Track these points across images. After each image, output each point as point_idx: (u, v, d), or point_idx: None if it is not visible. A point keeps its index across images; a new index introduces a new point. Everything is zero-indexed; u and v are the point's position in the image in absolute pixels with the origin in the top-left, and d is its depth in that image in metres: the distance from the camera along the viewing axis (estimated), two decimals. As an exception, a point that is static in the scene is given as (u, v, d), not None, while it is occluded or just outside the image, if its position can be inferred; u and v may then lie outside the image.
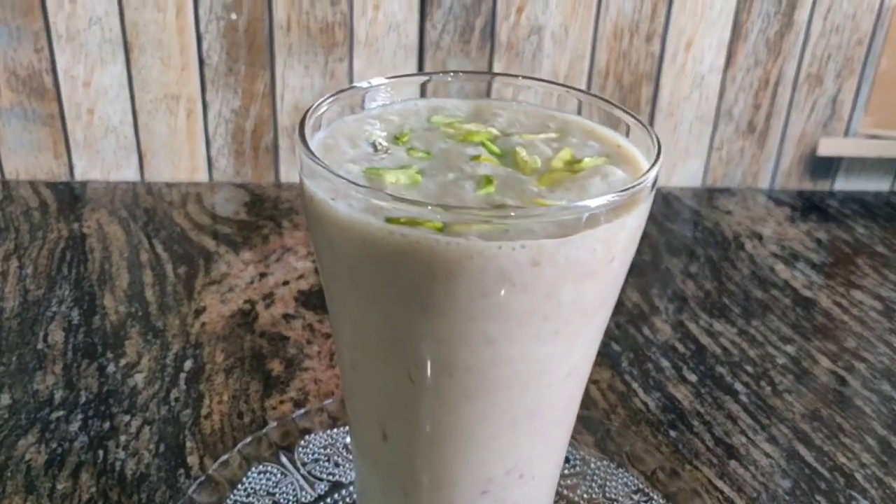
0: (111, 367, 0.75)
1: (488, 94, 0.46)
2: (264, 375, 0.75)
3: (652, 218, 1.05)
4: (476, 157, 0.39)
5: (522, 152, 0.40)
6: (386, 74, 1.03)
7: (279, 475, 0.62)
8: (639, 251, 0.98)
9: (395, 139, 0.41)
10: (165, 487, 0.64)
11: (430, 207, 0.33)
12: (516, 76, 0.46)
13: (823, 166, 1.13)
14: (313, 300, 0.85)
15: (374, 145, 0.40)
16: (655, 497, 0.62)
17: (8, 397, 0.71)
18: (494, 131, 0.42)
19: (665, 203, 1.09)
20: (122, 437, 0.68)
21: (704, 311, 0.88)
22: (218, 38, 0.99)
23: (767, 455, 0.70)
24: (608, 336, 0.82)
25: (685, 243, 1.00)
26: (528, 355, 0.37)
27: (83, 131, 1.02)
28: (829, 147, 1.10)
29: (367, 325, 0.39)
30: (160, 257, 0.91)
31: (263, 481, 0.62)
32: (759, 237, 1.03)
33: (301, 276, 0.89)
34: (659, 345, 0.82)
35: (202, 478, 0.61)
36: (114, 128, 1.02)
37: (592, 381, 0.76)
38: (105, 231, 0.95)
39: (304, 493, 0.62)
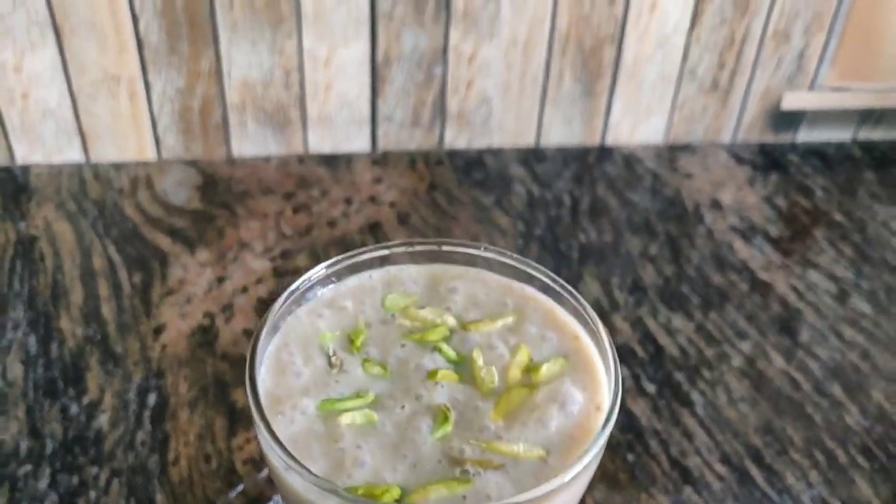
0: (74, 408, 0.75)
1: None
2: (228, 408, 0.76)
3: (612, 188, 1.04)
4: (433, 375, 0.38)
5: (479, 360, 0.39)
6: (336, 48, 0.98)
7: (250, 543, 0.64)
8: (598, 229, 0.98)
9: (351, 342, 0.40)
10: (139, 551, 0.65)
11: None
12: (478, 246, 0.44)
13: (786, 120, 1.11)
14: (273, 310, 0.85)
15: (328, 359, 0.39)
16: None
17: (-27, 451, 0.71)
18: (451, 321, 0.41)
19: (626, 166, 1.08)
20: (93, 493, 0.69)
21: (663, 301, 0.89)
22: (156, 18, 0.93)
23: (721, 478, 0.73)
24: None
25: (645, 217, 1.00)
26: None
27: (19, 116, 0.97)
28: (792, 101, 1.08)
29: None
30: (114, 262, 0.89)
31: (235, 551, 0.64)
32: (719, 206, 1.02)
33: (259, 281, 0.88)
34: (618, 347, 0.83)
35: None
36: (51, 111, 0.97)
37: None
38: (54, 231, 0.92)
39: (275, 558, 0.64)
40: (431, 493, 0.34)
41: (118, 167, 1.02)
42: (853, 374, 0.82)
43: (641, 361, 0.82)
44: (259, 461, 0.72)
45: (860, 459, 0.75)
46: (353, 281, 0.43)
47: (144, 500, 0.69)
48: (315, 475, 0.33)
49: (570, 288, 0.42)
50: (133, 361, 0.79)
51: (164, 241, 0.92)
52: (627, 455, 0.74)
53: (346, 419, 0.36)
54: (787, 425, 0.77)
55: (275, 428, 0.35)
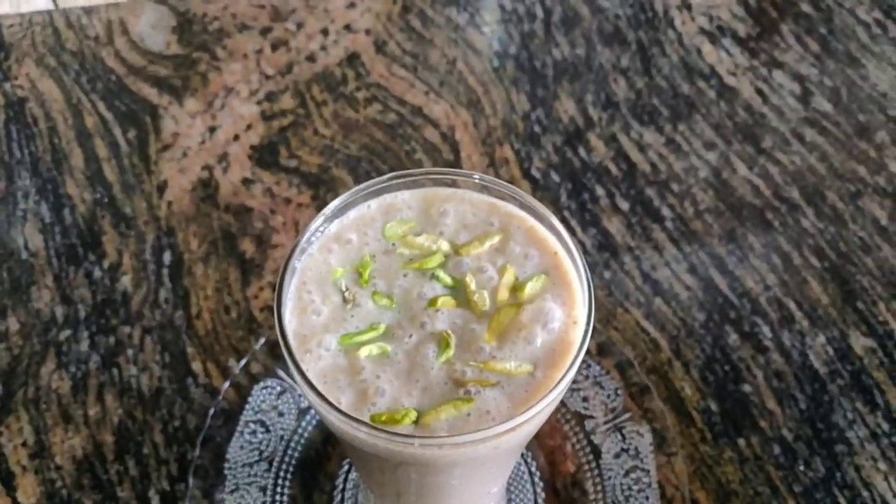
0: (97, 272, 0.81)
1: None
2: (238, 259, 0.82)
3: (584, -5, 1.04)
4: (433, 303, 0.45)
5: (472, 285, 0.45)
6: None
7: (279, 388, 0.73)
8: (571, 42, 1.00)
9: (359, 276, 0.46)
10: (181, 400, 0.75)
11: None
12: (469, 175, 0.48)
13: None
14: (266, 157, 0.89)
15: (342, 295, 0.45)
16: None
17: (15, 321, 0.78)
18: (445, 246, 0.47)
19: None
20: (130, 352, 0.77)
21: (635, 117, 0.93)
22: None
23: (687, 287, 0.81)
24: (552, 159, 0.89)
25: (615, 25, 1.02)
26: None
27: (-19, -30, 0.95)
28: None
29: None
30: (106, 120, 0.92)
31: (266, 396, 0.73)
32: (688, 6, 1.03)
33: (249, 127, 0.92)
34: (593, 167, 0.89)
35: (214, 406, 0.72)
36: (13, -37, 0.95)
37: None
38: (40, 90, 0.94)
39: (302, 399, 0.73)
40: (442, 413, 0.41)
41: (88, 11, 1.01)
42: (811, 177, 0.89)
43: (615, 179, 0.88)
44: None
45: (813, 260, 0.83)
46: (354, 213, 0.48)
47: (177, 353, 0.77)
48: (345, 413, 0.41)
49: (544, 208, 0.47)
50: (143, 221, 0.85)
51: (150, 93, 0.94)
52: (604, 273, 0.82)
53: (364, 352, 0.43)
54: (748, 232, 0.85)
55: (305, 367, 0.42)
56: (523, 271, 0.47)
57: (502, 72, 0.97)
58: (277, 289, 0.44)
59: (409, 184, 0.49)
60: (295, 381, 0.44)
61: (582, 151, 0.90)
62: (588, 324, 0.44)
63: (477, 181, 0.49)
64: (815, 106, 0.94)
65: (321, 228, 0.48)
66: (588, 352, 0.75)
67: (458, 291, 0.46)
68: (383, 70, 0.97)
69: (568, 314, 0.45)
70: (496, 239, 0.48)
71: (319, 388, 0.42)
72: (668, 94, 0.95)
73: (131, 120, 0.92)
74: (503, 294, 0.45)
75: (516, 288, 0.46)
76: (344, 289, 0.46)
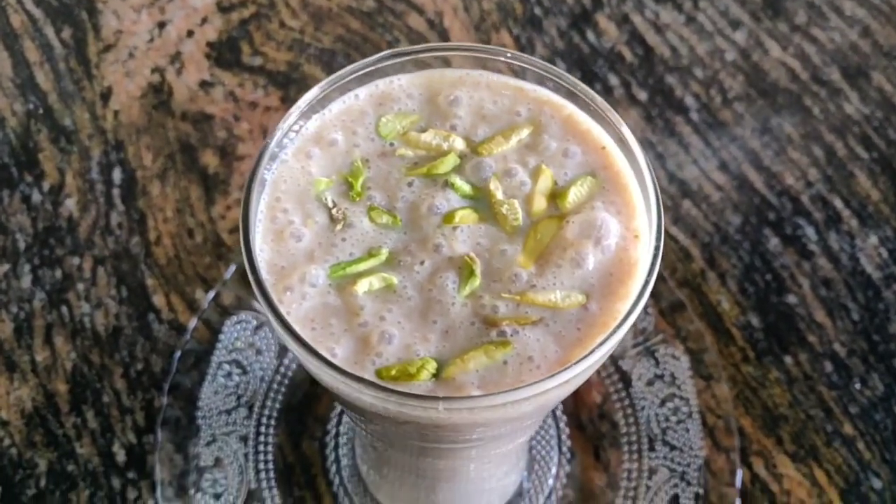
0: (36, 196, 0.70)
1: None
2: (200, 174, 0.71)
3: None
4: (449, 219, 0.34)
5: (498, 193, 0.34)
6: None
7: (255, 322, 0.63)
8: None
9: (350, 187, 0.35)
10: (143, 339, 0.65)
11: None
12: (473, 48, 0.37)
13: None
14: (226, 55, 0.77)
15: (329, 212, 0.34)
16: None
17: (-58, 256, 0.67)
18: (459, 144, 0.36)
19: None
20: (80, 286, 0.66)
21: (649, -7, 0.81)
22: None
23: (719, 187, 0.71)
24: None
25: None
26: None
27: None
28: None
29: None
30: (35, 18, 0.78)
31: (240, 332, 0.63)
32: None
33: (205, 21, 0.79)
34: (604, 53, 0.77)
35: (182, 346, 0.62)
36: None
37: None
38: (-44, -14, 0.80)
39: (283, 333, 0.63)
40: (470, 362, 0.31)
41: None
42: (853, 55, 0.78)
43: (630, 66, 0.77)
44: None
45: (859, 150, 0.73)
46: (337, 106, 0.37)
47: (135, 286, 0.67)
48: (342, 370, 0.30)
49: (587, 88, 0.36)
50: (87, 135, 0.73)
51: (85, -16, 0.81)
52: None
53: (362, 286, 0.33)
54: (784, 122, 0.74)
55: (285, 310, 0.31)
56: (563, 173, 0.36)
57: (494, -53, 0.84)
58: (243, 208, 0.33)
59: (407, 65, 0.37)
60: (272, 328, 0.33)
61: (591, 35, 0.79)
62: (658, 238, 0.33)
63: (507, 59, 0.37)
64: (852, -26, 0.83)
65: (295, 127, 0.37)
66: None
67: (481, 202, 0.35)
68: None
69: (626, 226, 0.35)
70: (525, 133, 0.37)
71: (305, 337, 0.31)
72: (685, -34, 0.83)
73: (65, 16, 0.79)
74: (539, 203, 0.35)
75: (556, 195, 0.35)
76: (331, 205, 0.35)
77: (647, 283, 0.32)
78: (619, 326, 0.31)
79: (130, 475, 0.60)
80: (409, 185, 0.36)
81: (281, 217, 0.34)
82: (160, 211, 0.70)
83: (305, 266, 0.33)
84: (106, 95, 0.75)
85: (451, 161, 0.36)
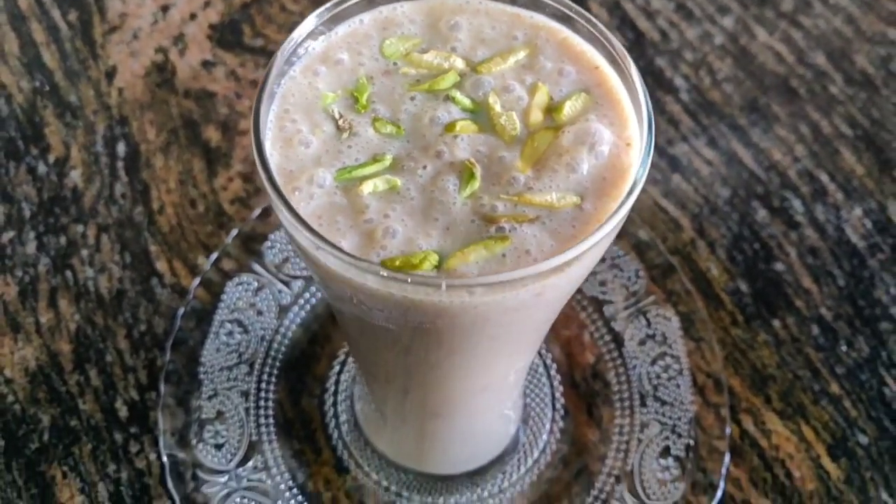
0: (42, 168, 0.71)
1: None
2: (202, 148, 0.73)
3: None
4: (450, 128, 0.36)
5: (496, 106, 0.36)
6: None
7: (256, 284, 0.64)
8: None
9: (356, 101, 0.36)
10: (146, 302, 0.66)
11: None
12: None
13: None
14: (228, 37, 0.79)
15: (335, 122, 0.36)
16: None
17: (-52, 224, 0.68)
18: (459, 63, 0.38)
19: None
20: (84, 252, 0.68)
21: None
22: None
23: (709, 162, 0.73)
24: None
25: None
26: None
27: None
28: None
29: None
30: (42, 2, 0.80)
31: (242, 293, 0.64)
32: None
33: (208, 4, 0.81)
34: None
35: (184, 306, 0.63)
36: None
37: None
38: (-34, -29, 0.82)
39: (282, 295, 0.64)
40: (470, 255, 0.33)
41: None
42: (837, 40, 0.80)
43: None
44: (247, 199, 0.70)
45: (844, 128, 0.75)
46: (343, 28, 0.39)
47: (139, 252, 0.68)
48: (349, 254, 0.32)
49: (582, 11, 0.38)
50: (92, 111, 0.74)
51: (92, -30, 0.83)
52: (615, 150, 0.73)
53: (367, 188, 0.34)
54: (771, 101, 0.77)
55: (294, 206, 0.33)
56: (559, 90, 0.38)
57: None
58: (254, 116, 0.35)
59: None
60: (282, 225, 0.35)
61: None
62: (648, 145, 0.35)
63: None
64: (835, -35, 0.85)
65: (302, 47, 0.38)
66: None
67: (480, 115, 0.37)
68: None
69: (619, 135, 0.36)
70: (521, 54, 0.39)
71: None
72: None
73: (71, 0, 0.81)
74: (536, 115, 0.37)
75: (551, 109, 0.37)
76: (337, 116, 0.36)
77: (635, 184, 0.34)
78: (608, 220, 0.33)
79: (133, 430, 0.61)
80: (412, 99, 0.37)
81: (289, 126, 0.36)
82: (163, 182, 0.71)
83: (313, 169, 0.35)
84: (111, 74, 0.76)
85: (451, 78, 0.37)
